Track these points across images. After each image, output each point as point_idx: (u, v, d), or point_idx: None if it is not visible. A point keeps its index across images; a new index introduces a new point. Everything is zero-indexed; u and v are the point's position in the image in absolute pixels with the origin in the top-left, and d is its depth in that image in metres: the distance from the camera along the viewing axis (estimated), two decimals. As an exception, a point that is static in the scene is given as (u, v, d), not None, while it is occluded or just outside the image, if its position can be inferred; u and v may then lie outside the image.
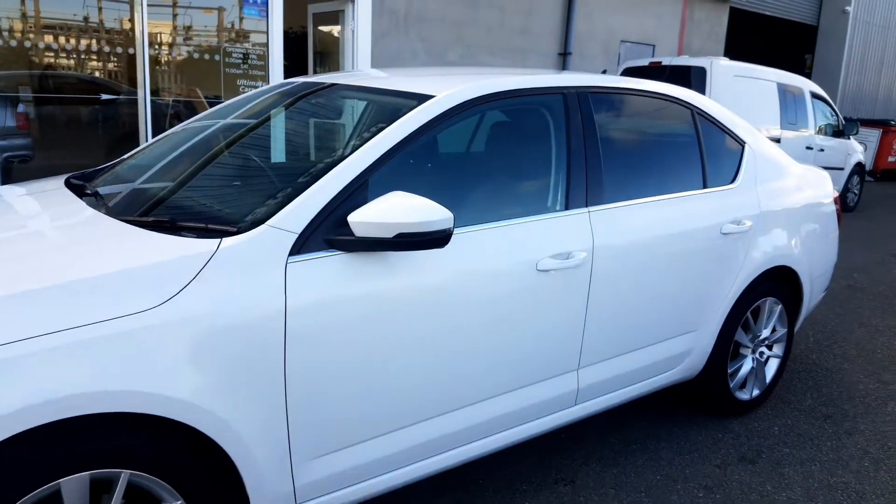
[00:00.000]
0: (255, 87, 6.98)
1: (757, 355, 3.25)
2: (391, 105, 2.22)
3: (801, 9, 15.33)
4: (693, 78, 7.93)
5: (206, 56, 6.83)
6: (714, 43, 12.44)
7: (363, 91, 2.47)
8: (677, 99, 2.94)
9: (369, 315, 1.86)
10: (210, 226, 1.83)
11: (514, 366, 2.25)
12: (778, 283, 3.17)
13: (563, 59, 9.78)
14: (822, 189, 3.49)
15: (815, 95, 9.23)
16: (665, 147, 2.81)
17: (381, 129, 2.04)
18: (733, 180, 3.02)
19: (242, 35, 7.13)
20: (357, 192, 1.90)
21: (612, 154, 2.56)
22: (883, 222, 9.23)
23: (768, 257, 3.03)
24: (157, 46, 6.33)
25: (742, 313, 3.03)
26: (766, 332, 3.24)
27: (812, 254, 3.34)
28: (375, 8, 7.59)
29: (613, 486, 2.61)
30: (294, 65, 9.13)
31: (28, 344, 1.43)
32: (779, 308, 3.24)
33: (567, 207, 2.36)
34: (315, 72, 8.10)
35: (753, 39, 13.28)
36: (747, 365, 3.21)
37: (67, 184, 2.46)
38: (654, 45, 11.25)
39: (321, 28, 8.17)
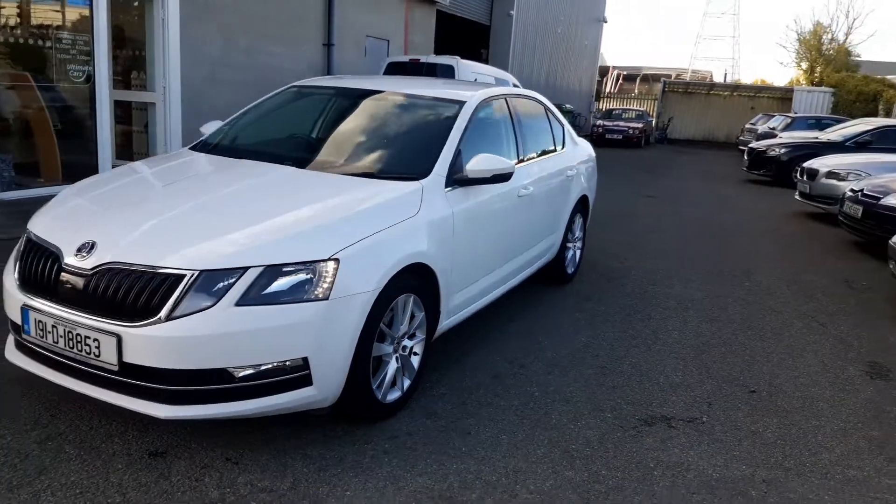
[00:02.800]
0: (83, 72, 7.35)
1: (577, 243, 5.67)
2: (443, 105, 3.95)
3: (478, 10, 19.05)
4: (443, 73, 10.28)
5: (33, 42, 7.06)
6: (427, 40, 15.12)
7: (414, 98, 4.12)
8: (539, 100, 5.10)
9: (472, 214, 3.63)
10: (404, 174, 3.40)
11: (511, 244, 4.20)
12: (584, 203, 5.60)
13: (328, 50, 11.38)
14: (589, 151, 6.00)
15: (515, 86, 12.38)
16: (539, 127, 4.96)
17: (453, 119, 3.77)
18: (563, 147, 5.31)
19: (70, 23, 7.43)
20: (459, 155, 3.63)
21: (524, 130, 4.60)
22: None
23: (582, 189, 5.42)
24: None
25: (573, 219, 5.38)
26: (578, 233, 5.65)
27: (592, 189, 5.84)
28: (182, -4, 8.35)
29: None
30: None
31: (381, 234, 2.94)
32: (584, 218, 5.69)
33: (520, 160, 4.35)
34: (115, 58, 8.47)
35: (444, 35, 16.28)
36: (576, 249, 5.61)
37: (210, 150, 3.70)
38: (388, 41, 13.43)
39: (121, 15, 8.53)
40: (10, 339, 3.03)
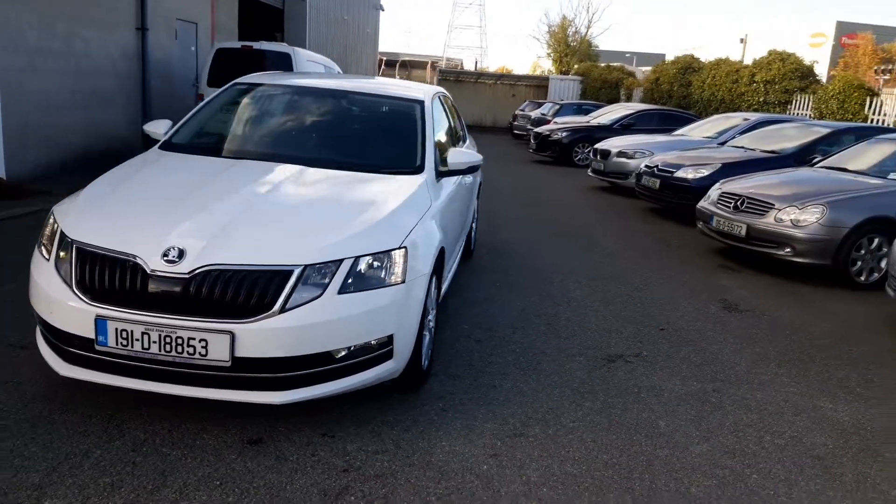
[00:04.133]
0: None
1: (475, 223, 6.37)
2: (406, 103, 4.37)
3: (270, -6, 18.67)
4: (278, 61, 10.22)
5: None
6: (232, 22, 14.65)
7: (378, 97, 4.45)
8: (448, 96, 5.68)
9: (446, 202, 4.12)
10: (402, 169, 3.80)
11: (460, 227, 4.77)
12: (480, 186, 6.32)
13: (142, 34, 10.66)
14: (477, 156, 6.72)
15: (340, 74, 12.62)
16: (455, 120, 5.54)
17: (421, 116, 4.23)
18: (467, 136, 5.95)
19: None
20: (436, 149, 4.11)
21: (454, 123, 5.18)
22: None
23: (479, 174, 6.14)
24: None
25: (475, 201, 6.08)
26: (476, 213, 6.37)
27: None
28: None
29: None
30: None
31: (422, 223, 3.37)
32: (478, 200, 6.42)
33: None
34: None
35: (240, 18, 15.86)
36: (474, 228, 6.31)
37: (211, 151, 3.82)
38: (196, 24, 12.82)
39: None
40: (52, 356, 2.92)
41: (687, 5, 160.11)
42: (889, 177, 6.98)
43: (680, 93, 21.75)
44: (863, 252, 6.43)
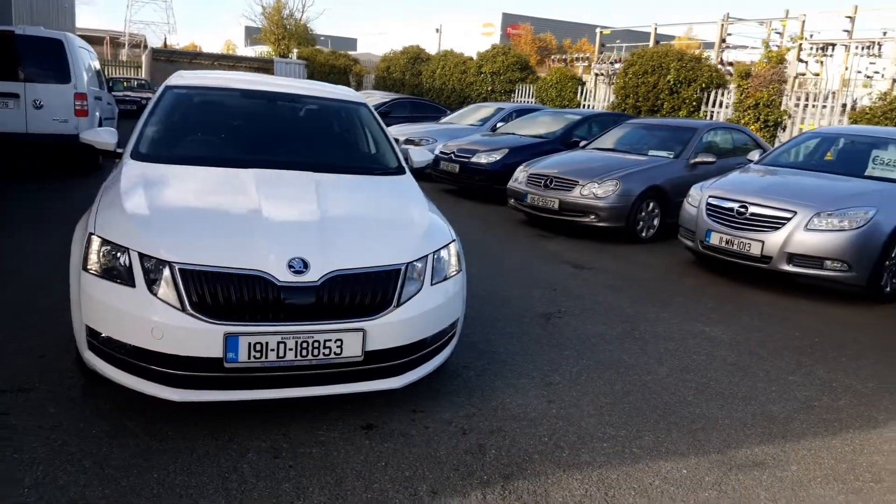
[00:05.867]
0: None
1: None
2: (353, 106, 4.68)
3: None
4: (49, 48, 8.95)
5: None
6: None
7: (329, 100, 4.64)
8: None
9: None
10: (387, 170, 4.18)
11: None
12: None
13: None
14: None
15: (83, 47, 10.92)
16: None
17: (371, 117, 4.60)
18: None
19: None
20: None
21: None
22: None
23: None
24: None
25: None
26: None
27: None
28: None
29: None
30: None
31: (442, 218, 3.86)
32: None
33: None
34: None
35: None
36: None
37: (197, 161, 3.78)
38: None
39: None
40: (155, 386, 2.85)
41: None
42: (649, 154, 9.01)
43: (412, 81, 23.46)
44: (643, 214, 8.30)
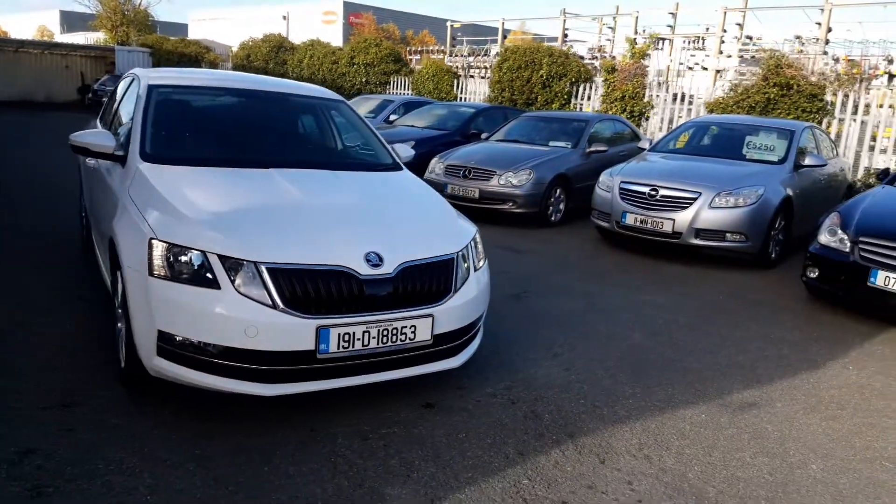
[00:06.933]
0: None
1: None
2: (330, 102, 4.78)
3: None
4: None
5: None
6: None
7: (307, 98, 4.68)
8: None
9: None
10: (385, 166, 4.36)
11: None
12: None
13: None
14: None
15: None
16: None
17: (352, 113, 4.74)
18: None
19: None
20: (384, 146, 4.73)
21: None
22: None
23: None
24: None
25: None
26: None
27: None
28: None
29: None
30: None
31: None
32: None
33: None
34: None
35: None
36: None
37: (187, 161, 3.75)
38: None
39: None
40: (245, 384, 2.91)
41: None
42: (550, 145, 9.72)
43: (276, 70, 22.89)
44: (552, 200, 8.98)
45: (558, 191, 9.03)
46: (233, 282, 2.89)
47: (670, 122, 13.10)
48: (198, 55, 27.15)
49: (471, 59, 22.50)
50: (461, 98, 17.28)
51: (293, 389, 2.98)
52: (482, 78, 18.38)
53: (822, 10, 20.42)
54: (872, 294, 5.24)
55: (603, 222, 7.79)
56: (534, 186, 8.60)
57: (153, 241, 2.98)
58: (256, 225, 3.16)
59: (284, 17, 49.38)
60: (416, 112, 12.60)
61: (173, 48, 27.94)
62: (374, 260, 3.10)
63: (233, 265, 2.91)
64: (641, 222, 7.25)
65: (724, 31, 23.50)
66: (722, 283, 6.40)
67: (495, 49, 24.60)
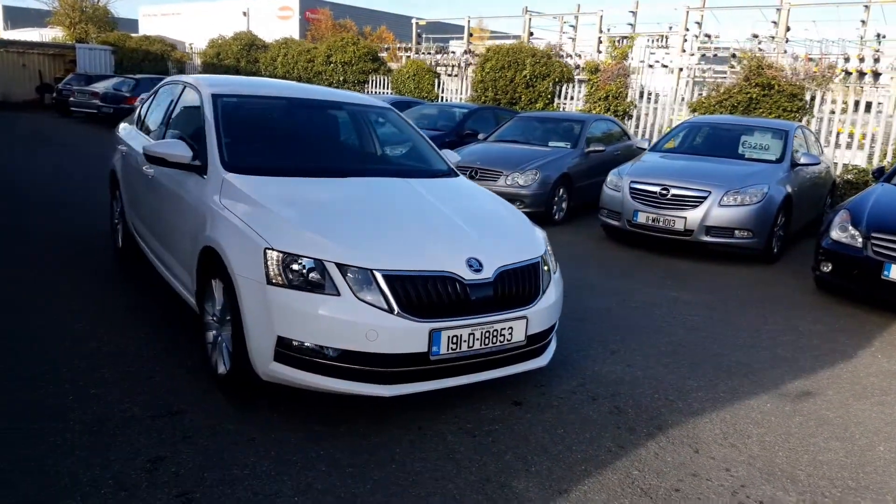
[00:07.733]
0: None
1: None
2: (379, 110, 4.89)
3: None
4: None
5: None
6: None
7: (360, 106, 4.77)
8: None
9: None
10: (443, 173, 4.48)
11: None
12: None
13: None
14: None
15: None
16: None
17: (403, 121, 4.85)
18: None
19: None
20: (434, 151, 4.85)
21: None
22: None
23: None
24: None
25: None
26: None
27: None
28: None
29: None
30: None
31: None
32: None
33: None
34: None
35: None
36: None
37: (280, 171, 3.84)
38: None
39: None
40: (366, 386, 3.01)
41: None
42: (550, 145, 9.94)
43: (248, 69, 22.64)
44: (556, 199, 9.21)
45: (561, 190, 9.25)
46: (351, 288, 2.99)
47: (637, 119, 13.60)
48: (163, 53, 26.60)
49: (438, 56, 22.67)
50: (442, 98, 17.40)
51: (410, 389, 3.09)
52: (450, 76, 18.56)
53: (779, 9, 21.19)
54: (886, 287, 5.59)
55: (613, 221, 8.04)
56: (540, 186, 8.81)
57: (268, 251, 3.05)
58: (364, 233, 3.26)
59: (245, 14, 48.61)
60: (406, 112, 12.65)
61: (137, 46, 27.31)
62: (476, 265, 3.23)
63: (350, 272, 3.01)
64: (653, 221, 7.52)
65: (687, 29, 24.17)
66: (734, 278, 6.71)
67: (461, 48, 24.83)
